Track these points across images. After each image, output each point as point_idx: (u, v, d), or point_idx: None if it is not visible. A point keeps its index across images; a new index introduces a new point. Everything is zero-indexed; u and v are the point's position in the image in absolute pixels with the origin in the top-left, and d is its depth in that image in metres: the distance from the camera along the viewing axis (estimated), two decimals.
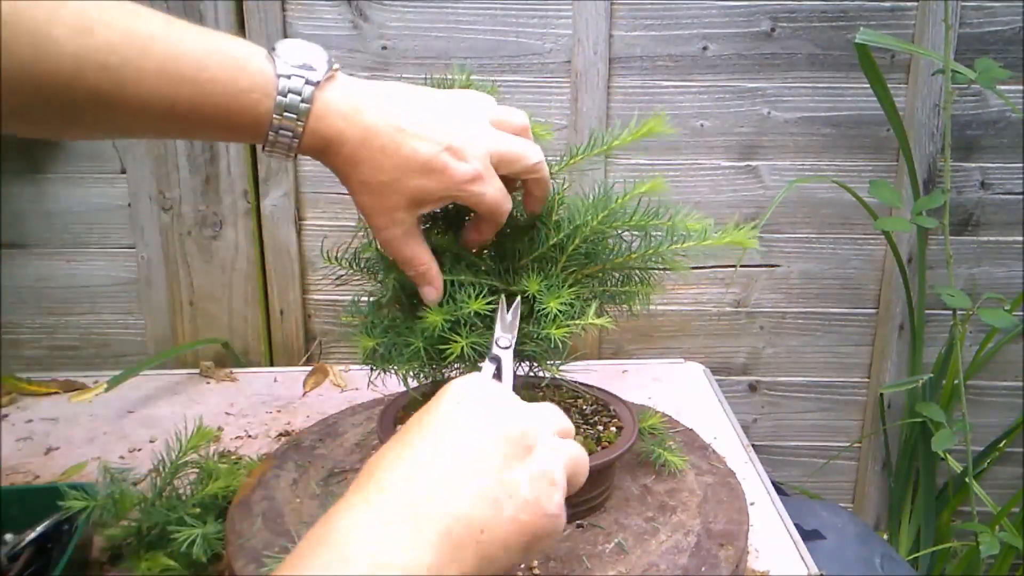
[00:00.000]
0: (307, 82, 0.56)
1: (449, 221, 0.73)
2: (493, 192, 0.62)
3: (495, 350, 0.64)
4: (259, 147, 0.59)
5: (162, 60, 0.52)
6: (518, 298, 0.67)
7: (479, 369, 0.70)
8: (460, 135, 0.60)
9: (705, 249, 0.70)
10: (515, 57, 1.24)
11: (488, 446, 0.45)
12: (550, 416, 0.50)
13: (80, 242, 1.30)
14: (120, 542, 0.74)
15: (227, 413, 1.12)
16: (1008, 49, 1.24)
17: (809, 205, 1.32)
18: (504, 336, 0.64)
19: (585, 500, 0.74)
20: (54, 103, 0.50)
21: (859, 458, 1.44)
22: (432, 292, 0.66)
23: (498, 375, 0.62)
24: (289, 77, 0.56)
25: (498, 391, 0.50)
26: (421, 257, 0.64)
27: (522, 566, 0.67)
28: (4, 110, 0.49)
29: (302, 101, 0.56)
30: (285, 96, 0.55)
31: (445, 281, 0.68)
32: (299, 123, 0.56)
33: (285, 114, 0.56)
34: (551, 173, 0.74)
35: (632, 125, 0.72)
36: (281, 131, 0.56)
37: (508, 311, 0.66)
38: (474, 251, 0.71)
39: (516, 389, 0.56)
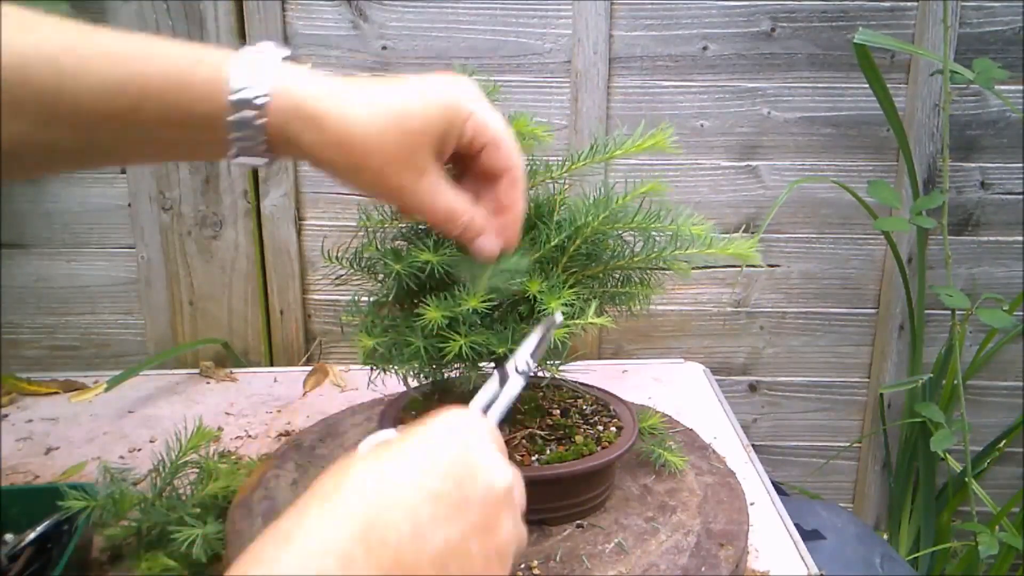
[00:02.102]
0: (261, 54, 0.49)
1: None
2: (496, 117, 0.54)
3: (509, 368, 0.55)
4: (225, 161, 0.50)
5: (107, 44, 0.46)
6: (557, 319, 0.60)
7: (479, 369, 0.69)
8: (435, 76, 0.54)
9: (707, 256, 0.70)
10: (515, 57, 1.24)
11: (464, 506, 0.41)
12: (520, 491, 0.47)
13: (80, 242, 1.30)
14: (120, 542, 0.74)
15: (227, 413, 1.12)
16: (1008, 49, 1.24)
17: (809, 205, 1.32)
18: (526, 360, 0.56)
19: (585, 500, 0.74)
20: None
21: (859, 458, 1.44)
22: (488, 240, 0.56)
23: (487, 405, 0.53)
24: (240, 56, 0.49)
25: (493, 450, 0.45)
26: (458, 205, 0.54)
27: (522, 565, 0.67)
28: None
29: (262, 71, 0.48)
30: (241, 70, 0.48)
31: (442, 279, 0.68)
32: (265, 97, 0.48)
33: (244, 90, 0.47)
34: (552, 176, 0.74)
35: (636, 135, 0.72)
36: (245, 109, 0.48)
37: (541, 334, 0.58)
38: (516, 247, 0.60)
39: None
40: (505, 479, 0.44)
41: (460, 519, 0.41)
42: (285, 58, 0.50)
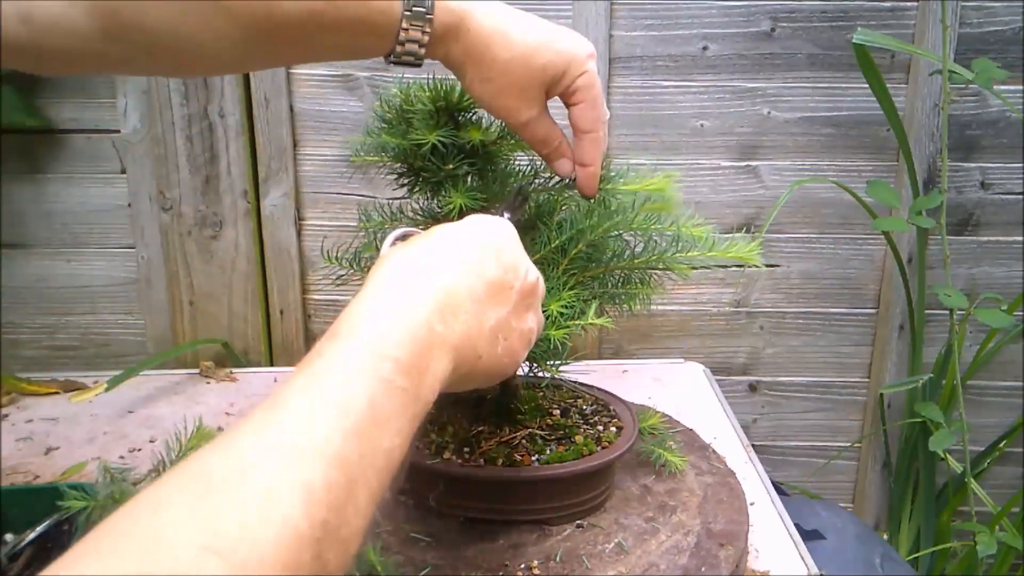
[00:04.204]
0: None
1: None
2: (599, 82, 0.63)
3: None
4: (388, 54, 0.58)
5: None
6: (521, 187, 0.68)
7: None
8: (568, 30, 0.63)
9: (708, 258, 0.70)
10: None
11: (510, 291, 0.50)
12: (542, 286, 0.57)
13: (80, 242, 1.30)
14: None
15: (227, 413, 1.12)
16: (1008, 49, 1.24)
17: (809, 205, 1.32)
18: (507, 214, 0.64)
19: (585, 500, 0.74)
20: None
21: (859, 458, 1.44)
22: (567, 163, 0.67)
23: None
24: None
25: (522, 248, 0.54)
26: (554, 132, 0.66)
27: (522, 565, 0.67)
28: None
29: None
30: None
31: None
32: (431, 14, 0.56)
33: (416, 6, 0.56)
34: (552, 182, 0.74)
35: (642, 176, 0.73)
36: (415, 21, 0.56)
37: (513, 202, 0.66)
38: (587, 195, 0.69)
39: None
40: (536, 273, 0.54)
41: (507, 302, 0.50)
42: None
